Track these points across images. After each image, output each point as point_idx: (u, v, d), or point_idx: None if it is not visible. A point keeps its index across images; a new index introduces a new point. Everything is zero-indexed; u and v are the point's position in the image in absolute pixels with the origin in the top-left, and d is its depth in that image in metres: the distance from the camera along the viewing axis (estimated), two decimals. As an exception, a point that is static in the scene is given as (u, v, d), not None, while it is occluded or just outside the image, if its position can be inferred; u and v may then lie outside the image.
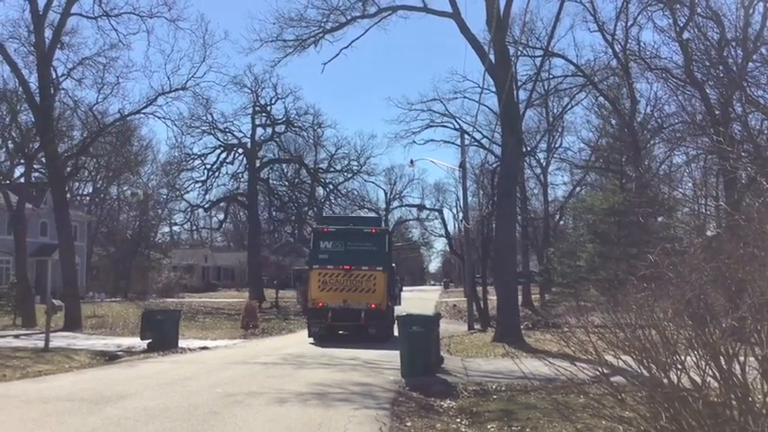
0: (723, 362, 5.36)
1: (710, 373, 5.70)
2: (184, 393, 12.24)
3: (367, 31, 28.17)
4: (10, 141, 37.63)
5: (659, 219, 32.30)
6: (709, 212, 19.50)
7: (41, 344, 20.88)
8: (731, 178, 18.58)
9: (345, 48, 28.97)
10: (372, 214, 76.17)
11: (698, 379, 5.43)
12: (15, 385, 13.43)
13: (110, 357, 19.32)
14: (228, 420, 9.94)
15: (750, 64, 23.43)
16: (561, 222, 56.51)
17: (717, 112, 23.89)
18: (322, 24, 27.39)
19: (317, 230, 25.83)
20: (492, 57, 23.83)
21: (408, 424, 10.30)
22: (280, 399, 11.80)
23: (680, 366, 5.76)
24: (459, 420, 10.84)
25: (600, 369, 6.21)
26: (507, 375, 14.62)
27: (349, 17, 27.25)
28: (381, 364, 17.21)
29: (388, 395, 12.75)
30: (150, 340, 21.15)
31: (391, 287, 25.24)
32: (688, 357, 5.89)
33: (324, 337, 23.68)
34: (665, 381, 5.63)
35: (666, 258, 6.06)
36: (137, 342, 21.93)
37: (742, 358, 5.59)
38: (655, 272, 6.29)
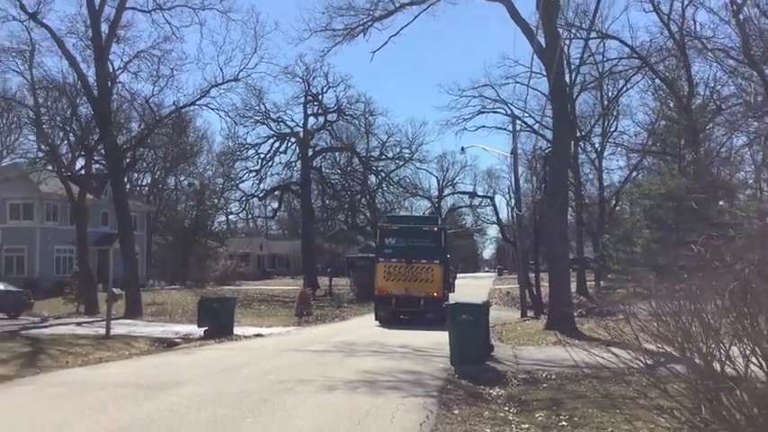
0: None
1: (755, 362, 5.60)
2: (238, 380, 12.53)
3: (416, 17, 28.08)
4: (71, 134, 38.77)
5: (720, 203, 31.47)
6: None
7: (103, 331, 21.61)
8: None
9: (394, 35, 28.97)
10: (427, 204, 76.35)
11: (741, 369, 5.33)
12: (76, 372, 13.96)
13: (168, 344, 19.89)
14: (278, 407, 10.16)
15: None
16: (617, 208, 55.44)
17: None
18: (371, 12, 27.45)
19: (382, 228, 29.30)
20: (542, 40, 23.51)
21: (456, 412, 10.34)
22: (329, 386, 11.97)
23: (723, 356, 5.67)
24: (507, 408, 10.84)
25: (642, 359, 6.16)
26: (558, 364, 14.52)
27: (398, 4, 27.23)
28: (431, 352, 17.27)
29: (436, 383, 12.80)
30: (207, 327, 21.70)
31: (447, 277, 28.21)
32: (733, 347, 5.80)
33: (387, 321, 26.70)
34: (707, 370, 5.55)
35: (711, 246, 5.94)
36: (194, 329, 22.52)
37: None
38: (701, 260, 6.18)
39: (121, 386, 11.75)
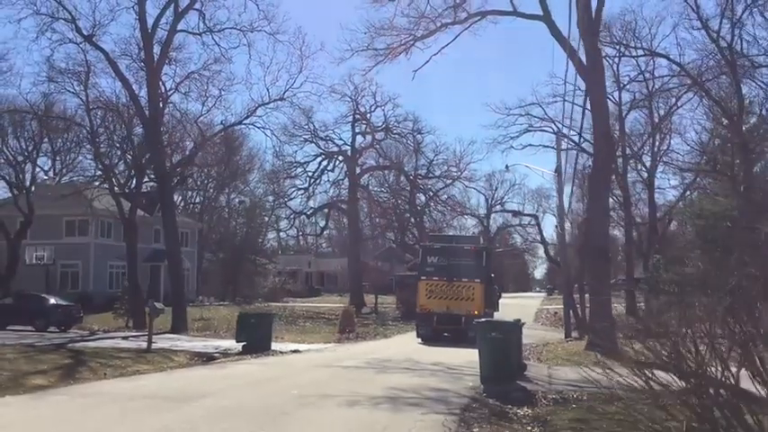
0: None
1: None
2: (261, 394, 12.68)
3: (457, 36, 28.12)
4: (129, 154, 39.94)
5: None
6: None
7: (146, 345, 22.02)
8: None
9: (435, 54, 29.04)
10: (473, 223, 76.05)
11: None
12: (110, 383, 14.30)
13: (207, 359, 20.18)
14: (295, 420, 10.24)
15: None
16: (670, 228, 54.18)
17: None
18: (412, 32, 27.59)
19: (425, 247, 30.13)
20: (583, 58, 23.31)
21: (476, 430, 10.24)
22: (351, 401, 11.98)
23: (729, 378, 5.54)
24: (530, 428, 10.70)
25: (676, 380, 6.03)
26: (592, 385, 14.22)
27: (439, 24, 27.31)
28: (463, 370, 17.11)
29: (461, 401, 12.69)
30: (245, 342, 21.94)
31: (489, 296, 28.48)
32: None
33: (428, 338, 27.01)
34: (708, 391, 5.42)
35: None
36: (234, 344, 22.79)
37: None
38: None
39: (148, 397, 12.00)
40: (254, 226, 67.52)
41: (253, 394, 12.63)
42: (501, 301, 41.22)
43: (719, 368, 5.78)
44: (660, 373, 6.69)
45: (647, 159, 49.04)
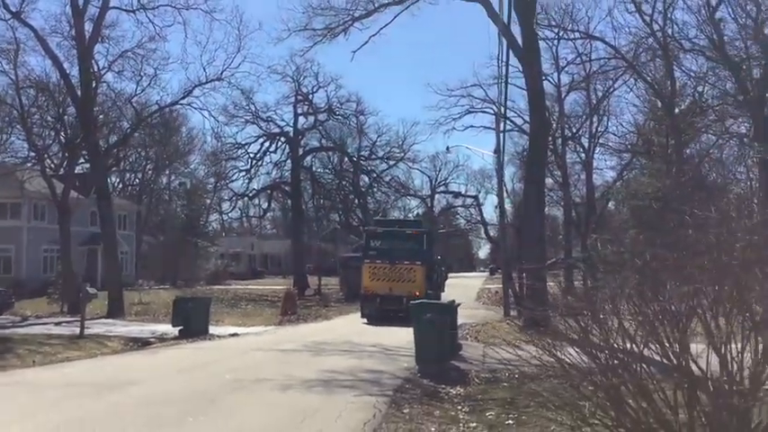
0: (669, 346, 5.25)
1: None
2: (192, 380, 12.53)
3: (396, 17, 27.98)
4: (62, 134, 38.76)
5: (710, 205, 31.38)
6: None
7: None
8: (764, 162, 17.97)
9: (374, 35, 28.83)
10: (417, 204, 76.54)
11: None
12: (35, 371, 13.94)
13: (141, 344, 19.86)
14: (225, 406, 10.14)
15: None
16: (607, 208, 55.41)
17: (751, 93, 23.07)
18: (350, 12, 27.40)
19: (369, 231, 31.30)
20: (520, 40, 23.49)
21: (406, 410, 10.32)
22: (285, 385, 11.94)
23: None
24: (460, 407, 10.83)
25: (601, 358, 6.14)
26: (524, 363, 14.45)
27: (377, 4, 27.17)
28: (400, 352, 17.21)
29: (395, 382, 12.78)
30: (182, 327, 21.63)
31: (432, 277, 29.82)
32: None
33: (373, 318, 27.96)
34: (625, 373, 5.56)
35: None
36: (171, 329, 22.43)
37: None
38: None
39: (73, 385, 11.73)
40: (195, 208, 66.52)
41: (184, 380, 12.47)
42: (445, 281, 41.71)
43: (627, 344, 5.93)
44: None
45: (585, 141, 50.02)
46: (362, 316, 28.93)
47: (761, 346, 5.29)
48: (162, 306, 34.76)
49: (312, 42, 29.27)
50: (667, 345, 5.37)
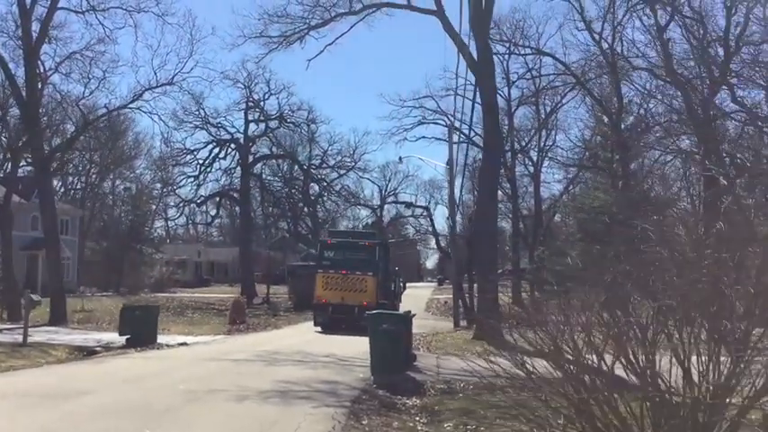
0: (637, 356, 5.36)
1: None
2: (145, 390, 12.23)
3: (352, 27, 28.15)
4: (4, 136, 37.66)
5: (655, 218, 32.20)
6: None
7: (21, 338, 20.83)
8: (710, 178, 18.55)
9: (330, 44, 28.94)
10: (367, 213, 76.66)
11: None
12: (-21, 381, 13.43)
13: (87, 353, 19.32)
14: (180, 418, 9.95)
15: (733, 65, 23.35)
16: (554, 220, 56.47)
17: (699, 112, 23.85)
18: (306, 21, 27.37)
19: (322, 242, 31.72)
20: (474, 54, 23.80)
21: (365, 422, 10.29)
22: (240, 396, 11.77)
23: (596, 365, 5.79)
24: (418, 419, 10.85)
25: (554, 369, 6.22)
26: (478, 374, 14.55)
27: (334, 13, 27.24)
28: (354, 362, 17.15)
29: (352, 393, 12.73)
30: (129, 336, 21.14)
31: (386, 288, 30.71)
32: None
33: (326, 326, 28.23)
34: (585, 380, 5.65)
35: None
36: (117, 338, 21.91)
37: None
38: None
39: (22, 395, 11.35)
40: (140, 214, 65.05)
41: (137, 390, 12.16)
42: (403, 293, 41.68)
43: (595, 358, 6.04)
44: (541, 364, 6.93)
45: (534, 154, 50.96)
46: (315, 324, 29.12)
47: (723, 359, 5.46)
48: (105, 314, 34.00)
49: (267, 50, 29.18)
50: (633, 359, 5.48)
